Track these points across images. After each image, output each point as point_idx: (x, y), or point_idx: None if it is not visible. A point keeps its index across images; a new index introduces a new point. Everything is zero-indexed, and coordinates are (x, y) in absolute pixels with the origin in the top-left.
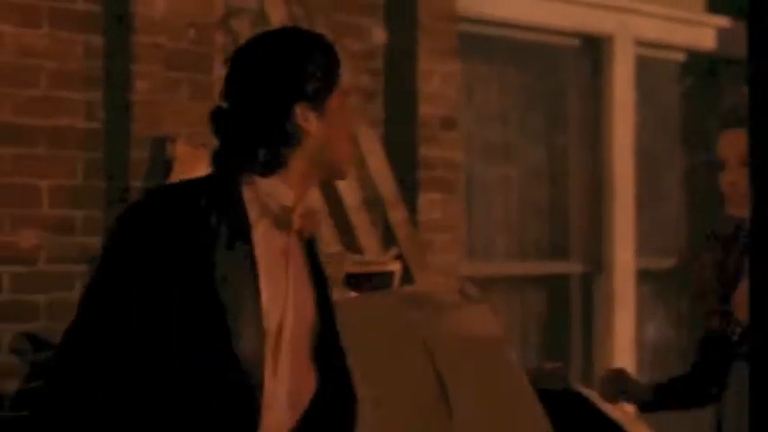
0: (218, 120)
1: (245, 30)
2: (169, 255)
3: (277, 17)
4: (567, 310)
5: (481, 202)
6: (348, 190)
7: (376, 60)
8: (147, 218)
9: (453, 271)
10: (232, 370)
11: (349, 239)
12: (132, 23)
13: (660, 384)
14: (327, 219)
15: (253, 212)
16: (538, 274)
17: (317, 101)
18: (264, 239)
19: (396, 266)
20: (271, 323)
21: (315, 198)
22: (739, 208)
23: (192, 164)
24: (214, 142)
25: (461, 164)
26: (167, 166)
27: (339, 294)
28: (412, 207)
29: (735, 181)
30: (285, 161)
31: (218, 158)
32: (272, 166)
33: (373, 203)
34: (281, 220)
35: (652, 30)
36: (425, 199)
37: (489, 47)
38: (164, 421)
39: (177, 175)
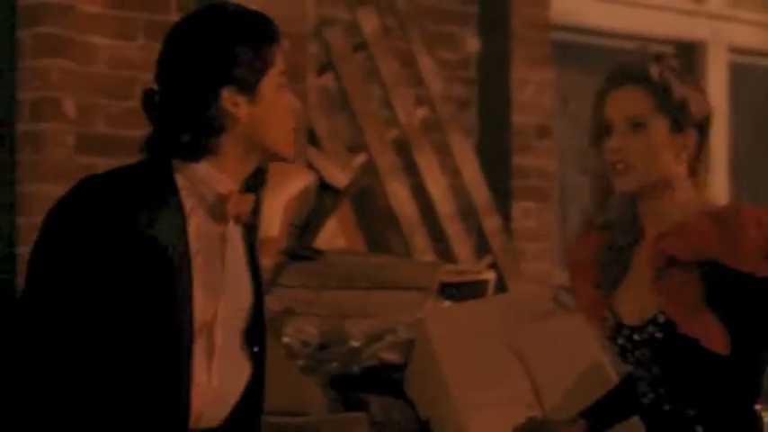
0: (148, 103)
1: (337, 40)
2: (103, 248)
3: (369, 27)
4: None
5: (575, 210)
6: (442, 199)
7: (470, 69)
8: (80, 213)
9: (547, 279)
10: (163, 362)
11: (443, 249)
12: None
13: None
14: (421, 228)
15: (188, 202)
16: None
17: (247, 84)
18: (199, 231)
19: (490, 275)
20: (204, 316)
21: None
22: (626, 181)
23: (286, 174)
24: (308, 152)
25: (555, 172)
26: (261, 177)
27: (434, 304)
28: (506, 216)
29: (621, 147)
30: (215, 147)
31: (149, 143)
32: (198, 151)
33: (467, 212)
34: (216, 210)
35: (746, 36)
36: (519, 207)
37: (583, 55)
38: (96, 403)
39: (272, 186)
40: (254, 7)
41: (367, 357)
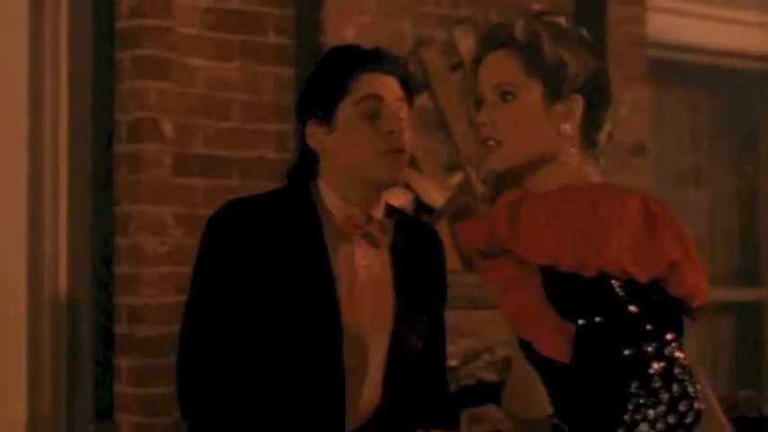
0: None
1: (434, 59)
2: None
3: (466, 46)
4: (759, 337)
5: None
6: None
7: None
8: (245, 221)
9: None
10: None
11: None
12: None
13: None
14: None
15: (324, 223)
16: (729, 300)
17: (323, 115)
18: (333, 249)
19: None
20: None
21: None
22: (496, 159)
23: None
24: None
25: (651, 190)
26: None
27: None
28: None
29: (489, 121)
30: (314, 175)
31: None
32: (305, 179)
33: None
34: (337, 231)
35: None
36: None
37: (679, 72)
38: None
39: None
40: (350, 29)
41: (464, 376)
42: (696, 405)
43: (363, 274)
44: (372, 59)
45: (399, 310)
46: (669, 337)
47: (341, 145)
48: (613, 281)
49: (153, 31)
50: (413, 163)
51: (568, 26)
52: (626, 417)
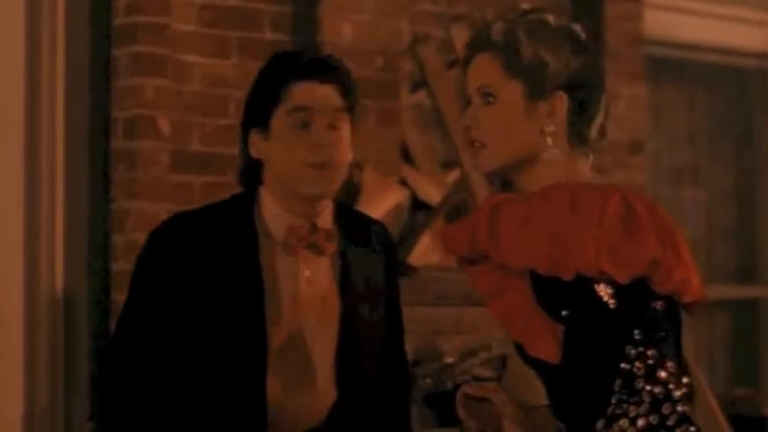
0: None
1: (430, 57)
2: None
3: (462, 44)
4: (756, 336)
5: None
6: None
7: None
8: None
9: None
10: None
11: None
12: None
13: None
14: None
15: (261, 237)
16: (726, 298)
17: (261, 123)
18: (270, 261)
19: None
20: (276, 339)
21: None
22: (482, 160)
23: (380, 190)
24: (402, 169)
25: (647, 187)
26: (355, 193)
27: None
28: None
29: (473, 123)
30: (258, 184)
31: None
32: (251, 188)
33: None
34: (283, 243)
35: None
36: None
37: (677, 69)
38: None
39: (365, 202)
40: (347, 27)
41: (460, 373)
42: (680, 408)
43: (306, 285)
44: (308, 68)
45: (344, 310)
46: (657, 336)
47: (274, 154)
48: (594, 283)
49: (150, 28)
50: (410, 160)
51: (553, 23)
52: (608, 410)
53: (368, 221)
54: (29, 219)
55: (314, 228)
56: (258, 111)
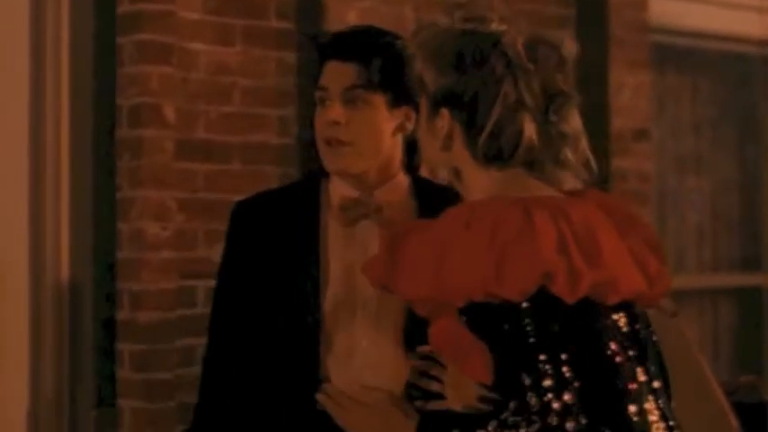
0: None
1: None
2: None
3: None
4: (760, 323)
5: (673, 213)
6: None
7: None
8: (255, 214)
9: None
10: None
11: None
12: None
13: None
14: None
15: (323, 209)
16: (730, 286)
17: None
18: (328, 232)
19: None
20: (334, 314)
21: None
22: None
23: None
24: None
25: (653, 175)
26: None
27: None
28: None
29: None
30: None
31: None
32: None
33: None
34: (338, 214)
35: None
36: None
37: (681, 57)
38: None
39: None
40: (351, 14)
41: None
42: None
43: (364, 254)
44: (333, 48)
45: None
46: (563, 359)
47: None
48: (490, 307)
49: (154, 16)
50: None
51: (449, 37)
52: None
53: (444, 191)
54: (34, 207)
55: (366, 199)
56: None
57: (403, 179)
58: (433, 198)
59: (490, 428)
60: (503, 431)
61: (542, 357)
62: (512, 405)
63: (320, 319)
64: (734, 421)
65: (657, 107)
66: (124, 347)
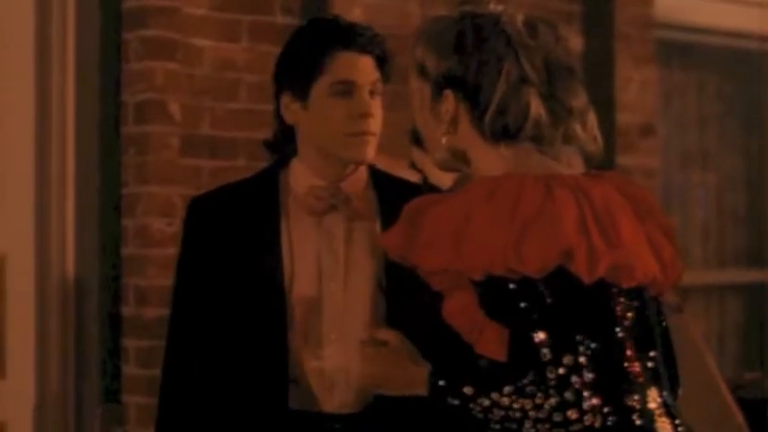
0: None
1: None
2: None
3: None
4: (766, 319)
5: (679, 209)
6: None
7: None
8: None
9: None
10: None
11: None
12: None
13: None
14: None
15: (283, 199)
16: (736, 282)
17: (299, 90)
18: (291, 223)
19: None
20: (301, 305)
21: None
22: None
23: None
24: (412, 152)
25: (659, 171)
26: None
27: None
28: None
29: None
30: (292, 149)
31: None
32: (281, 153)
33: None
34: (303, 203)
35: None
36: None
37: (686, 53)
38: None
39: None
40: (356, 9)
41: None
42: (587, 420)
43: (329, 246)
44: (349, 37)
45: (386, 273)
46: (578, 339)
47: (313, 122)
48: (508, 282)
49: (160, 12)
50: (420, 143)
51: (448, 21)
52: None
53: (400, 183)
54: (39, 203)
55: (337, 190)
56: (297, 78)
57: (362, 171)
58: (391, 190)
59: (506, 392)
60: (519, 398)
61: (561, 335)
62: (530, 375)
63: (287, 313)
64: (739, 417)
65: (663, 103)
66: (130, 344)
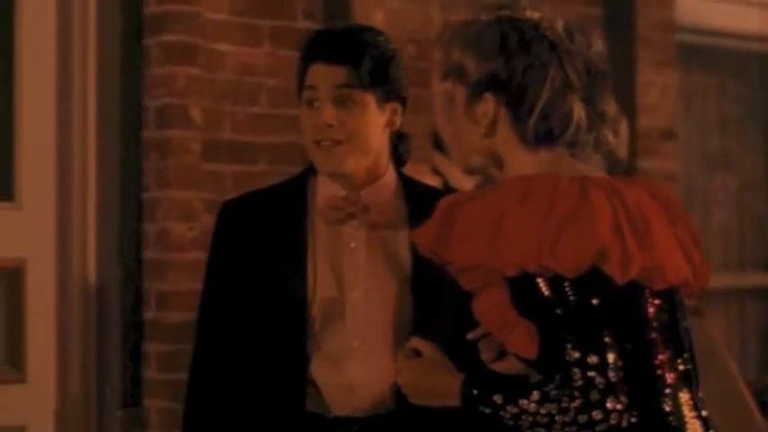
0: None
1: None
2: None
3: None
4: None
5: (700, 212)
6: None
7: None
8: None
9: None
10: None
11: None
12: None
13: None
14: None
15: (311, 209)
16: (757, 286)
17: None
18: (316, 232)
19: None
20: (323, 313)
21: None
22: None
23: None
24: (434, 156)
25: (680, 175)
26: None
27: None
28: None
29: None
30: None
31: None
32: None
33: None
34: (324, 213)
35: None
36: None
37: (707, 56)
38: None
39: None
40: (378, 14)
41: None
42: (613, 419)
43: (351, 257)
44: (319, 49)
45: (415, 281)
46: (606, 341)
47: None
48: (539, 279)
49: (181, 17)
50: (441, 148)
51: (485, 24)
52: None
53: (432, 192)
54: (61, 207)
55: (354, 198)
56: (297, 92)
57: (390, 179)
58: (422, 200)
59: (533, 398)
60: (545, 404)
61: (589, 335)
62: (557, 379)
63: (309, 320)
64: (760, 421)
65: (684, 106)
66: (151, 348)
